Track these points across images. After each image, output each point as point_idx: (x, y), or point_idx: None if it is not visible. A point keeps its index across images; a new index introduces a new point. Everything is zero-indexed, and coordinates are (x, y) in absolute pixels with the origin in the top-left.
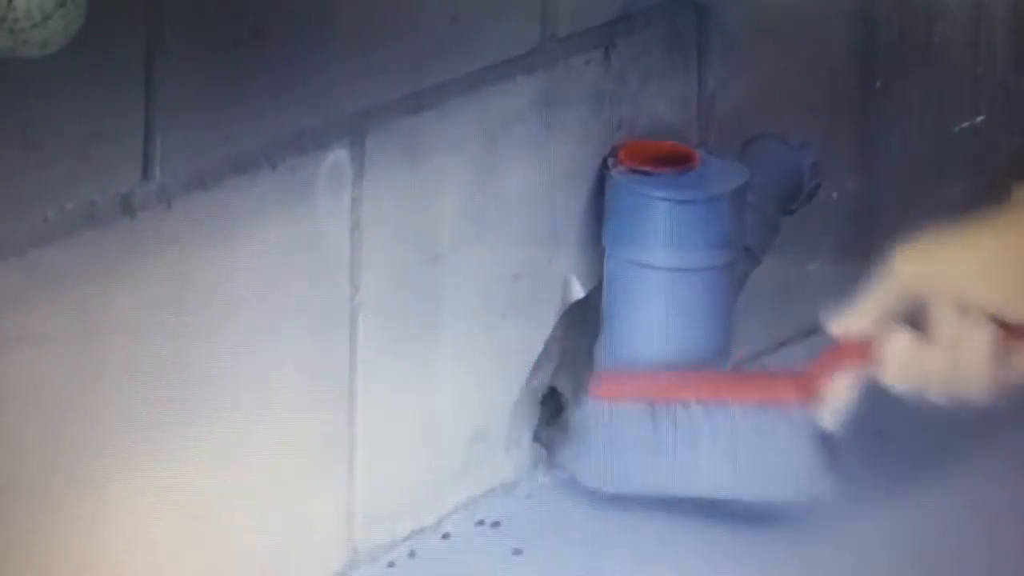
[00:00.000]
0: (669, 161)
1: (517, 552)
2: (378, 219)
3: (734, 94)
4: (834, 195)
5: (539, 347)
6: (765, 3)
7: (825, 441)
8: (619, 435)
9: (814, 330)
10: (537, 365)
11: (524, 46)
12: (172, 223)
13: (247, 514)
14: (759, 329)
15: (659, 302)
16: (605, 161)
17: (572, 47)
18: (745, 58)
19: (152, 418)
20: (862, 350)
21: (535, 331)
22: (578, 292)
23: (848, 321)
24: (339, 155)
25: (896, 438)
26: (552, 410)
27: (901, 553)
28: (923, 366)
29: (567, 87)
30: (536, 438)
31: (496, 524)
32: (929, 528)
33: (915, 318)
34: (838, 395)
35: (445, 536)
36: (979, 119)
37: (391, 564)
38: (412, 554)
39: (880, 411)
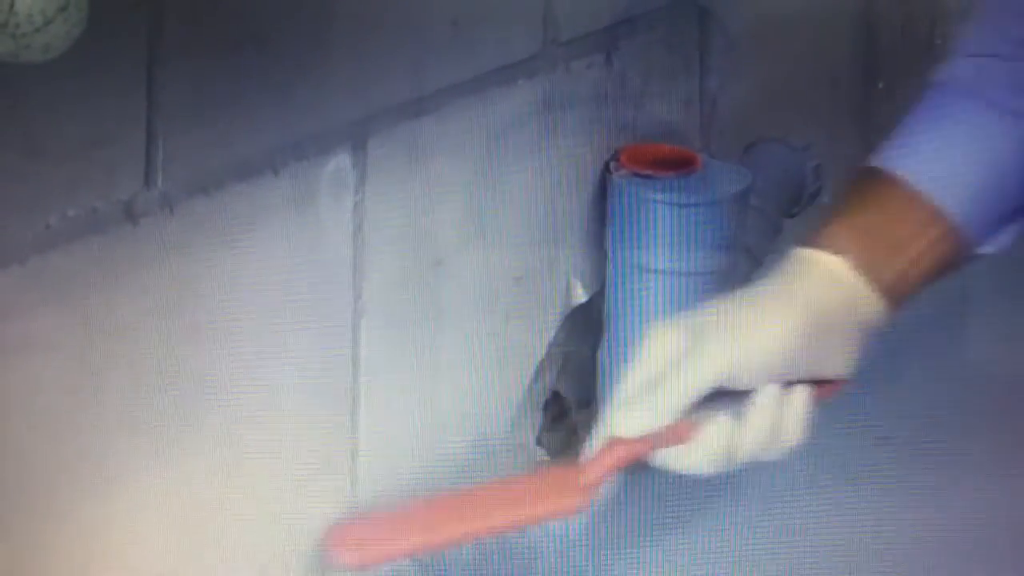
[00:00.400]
0: (671, 164)
1: (522, 554)
2: (380, 224)
3: (736, 97)
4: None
5: (541, 351)
6: (767, 6)
7: None
8: None
9: None
10: (539, 369)
11: (526, 50)
12: (174, 229)
13: (250, 518)
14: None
15: (661, 305)
16: (607, 164)
17: (574, 51)
18: (747, 61)
19: (155, 423)
20: (640, 443)
21: (537, 334)
22: (580, 295)
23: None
24: (341, 160)
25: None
26: (555, 414)
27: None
28: (737, 446)
29: (569, 91)
30: (539, 442)
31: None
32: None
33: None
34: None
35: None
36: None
37: (393, 565)
38: (415, 560)
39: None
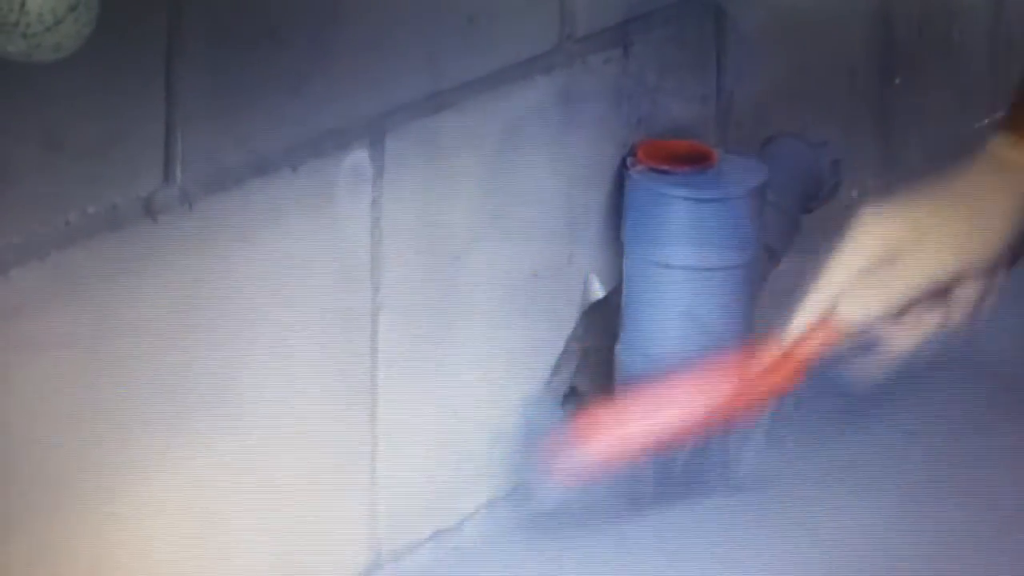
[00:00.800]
0: (688, 160)
1: (539, 551)
2: (398, 219)
3: (753, 92)
4: (854, 193)
5: (559, 346)
6: (783, 1)
7: None
8: None
9: None
10: (558, 364)
11: (543, 45)
12: (193, 225)
13: (269, 514)
14: (779, 328)
15: (679, 301)
16: (624, 160)
17: (590, 46)
18: (764, 56)
19: (174, 419)
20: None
21: (555, 330)
22: (598, 290)
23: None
24: (359, 156)
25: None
26: (574, 408)
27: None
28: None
29: (586, 86)
30: None
31: (517, 524)
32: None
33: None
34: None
35: (467, 536)
36: (998, 116)
37: (413, 565)
38: (434, 555)
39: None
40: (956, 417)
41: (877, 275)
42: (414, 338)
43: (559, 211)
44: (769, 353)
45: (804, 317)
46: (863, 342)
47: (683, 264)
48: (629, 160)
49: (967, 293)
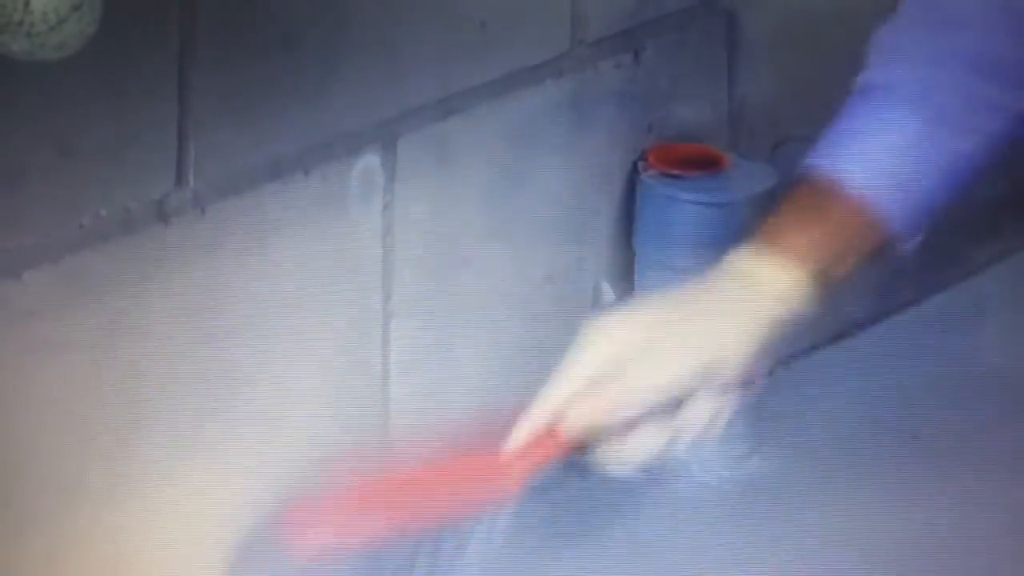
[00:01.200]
0: (699, 164)
1: (548, 550)
2: (409, 223)
3: (763, 97)
4: None
5: (570, 351)
6: (795, 6)
7: None
8: None
9: (846, 333)
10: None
11: (553, 50)
12: (205, 229)
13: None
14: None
15: None
16: (635, 164)
17: (602, 51)
18: (775, 61)
19: (187, 421)
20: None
21: (566, 334)
22: (609, 295)
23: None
24: (370, 160)
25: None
26: None
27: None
28: (669, 446)
29: (597, 91)
30: None
31: (529, 523)
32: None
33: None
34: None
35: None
36: None
37: (428, 564)
38: (447, 556)
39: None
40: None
41: (604, 386)
42: (425, 341)
43: (570, 215)
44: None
45: (526, 427)
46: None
47: (694, 267)
48: (640, 164)
49: (699, 409)
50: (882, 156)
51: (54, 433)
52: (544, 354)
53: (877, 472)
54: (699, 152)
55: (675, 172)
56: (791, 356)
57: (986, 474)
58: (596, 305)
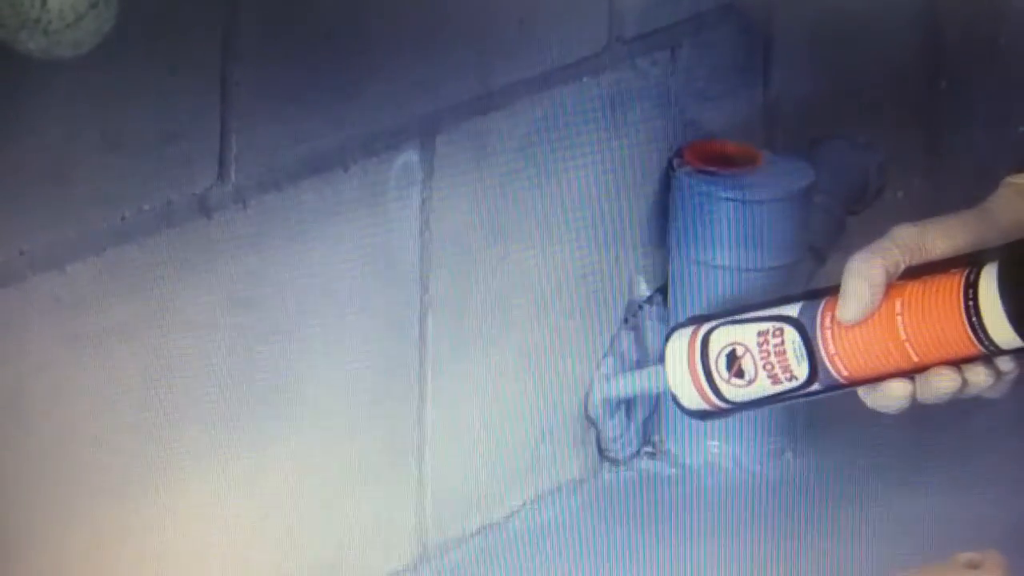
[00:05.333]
0: (734, 161)
1: (579, 542)
2: (447, 219)
3: (799, 94)
4: (900, 194)
5: (604, 346)
6: (831, 5)
7: None
8: None
9: None
10: (603, 364)
11: (591, 47)
12: (246, 223)
13: (320, 508)
14: None
15: (723, 301)
16: (671, 161)
17: (639, 48)
18: (811, 59)
19: (226, 413)
20: None
21: (602, 330)
22: (644, 291)
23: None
24: (409, 156)
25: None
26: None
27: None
28: None
29: (634, 87)
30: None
31: (562, 516)
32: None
33: None
34: None
35: (513, 531)
36: None
37: (460, 558)
38: (481, 549)
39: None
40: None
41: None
42: (462, 337)
43: (606, 212)
44: None
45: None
46: None
47: (729, 265)
48: (676, 161)
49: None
50: None
51: (95, 424)
52: (579, 349)
53: (912, 469)
54: (734, 149)
55: (710, 169)
56: None
57: None
58: (630, 298)
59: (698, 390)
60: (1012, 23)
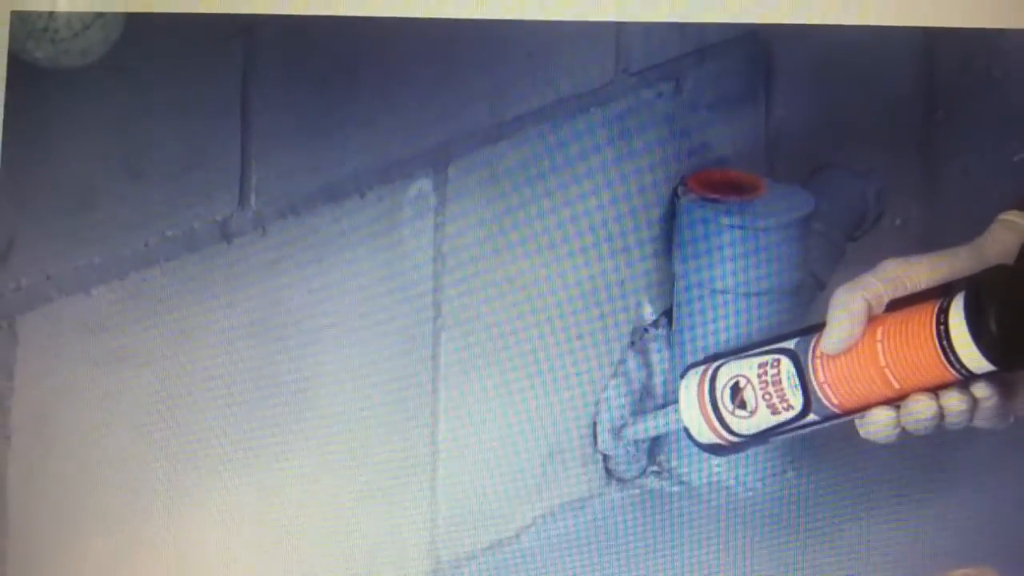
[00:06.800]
0: (737, 189)
1: (583, 560)
2: (459, 244)
3: (800, 124)
4: (898, 221)
5: (611, 368)
6: (830, 38)
7: None
8: None
9: None
10: (609, 385)
11: (598, 80)
12: (265, 248)
13: (334, 525)
14: None
15: (727, 325)
16: (676, 188)
17: (644, 80)
18: (811, 89)
19: (244, 433)
20: None
21: (608, 352)
22: (650, 314)
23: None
24: (423, 184)
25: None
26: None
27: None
28: None
29: (639, 118)
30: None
31: (574, 535)
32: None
33: None
34: None
35: (524, 546)
36: None
37: (472, 573)
38: (491, 564)
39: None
40: None
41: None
42: (473, 358)
43: (613, 237)
44: None
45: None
46: None
47: (732, 288)
48: (681, 188)
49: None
50: None
51: (117, 442)
52: (587, 370)
53: (913, 486)
54: (737, 177)
55: (714, 196)
56: None
57: None
58: (637, 321)
59: (707, 423)
60: (1006, 56)
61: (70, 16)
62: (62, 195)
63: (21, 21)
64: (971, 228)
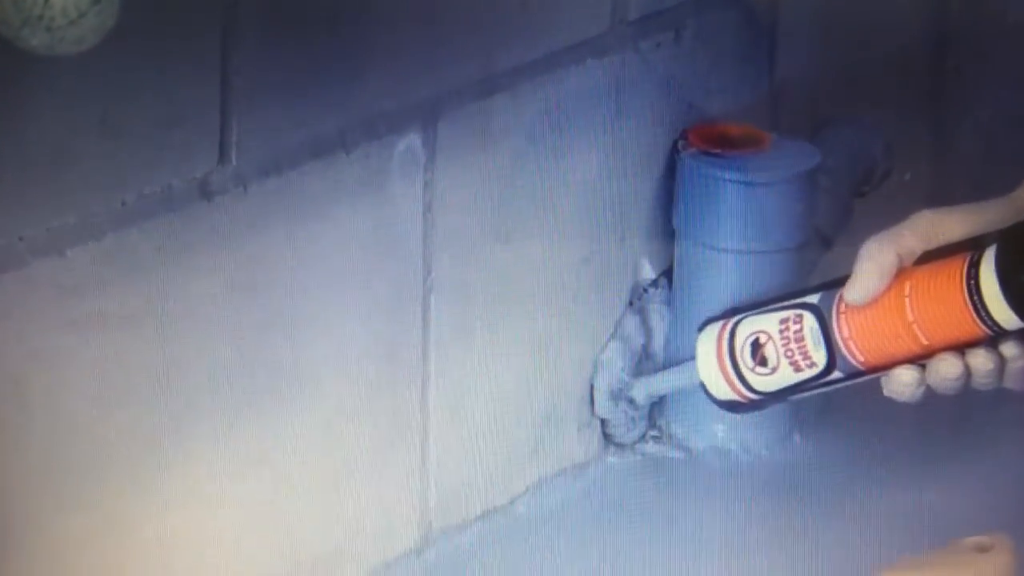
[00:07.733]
0: (740, 143)
1: (584, 528)
2: (450, 202)
3: (805, 76)
4: (907, 177)
5: (609, 329)
6: None
7: None
8: None
9: None
10: (607, 347)
11: (594, 29)
12: (248, 207)
13: (323, 493)
14: None
15: (729, 284)
16: (676, 143)
17: (642, 30)
18: (817, 40)
19: (228, 399)
20: None
21: (605, 313)
22: (649, 274)
23: None
24: (412, 139)
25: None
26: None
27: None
28: None
29: (638, 70)
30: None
31: (567, 503)
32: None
33: None
34: None
35: (517, 515)
36: None
37: (464, 542)
38: (484, 533)
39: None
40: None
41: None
42: (465, 320)
43: (610, 194)
44: None
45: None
46: None
47: (734, 248)
48: (681, 143)
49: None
50: None
51: (96, 409)
52: (583, 331)
53: (922, 453)
54: (740, 131)
55: (715, 151)
56: None
57: None
58: (635, 281)
59: (726, 380)
60: (1020, 8)
61: (66, 3)
62: (35, 154)
63: (16, 8)
64: (984, 183)
